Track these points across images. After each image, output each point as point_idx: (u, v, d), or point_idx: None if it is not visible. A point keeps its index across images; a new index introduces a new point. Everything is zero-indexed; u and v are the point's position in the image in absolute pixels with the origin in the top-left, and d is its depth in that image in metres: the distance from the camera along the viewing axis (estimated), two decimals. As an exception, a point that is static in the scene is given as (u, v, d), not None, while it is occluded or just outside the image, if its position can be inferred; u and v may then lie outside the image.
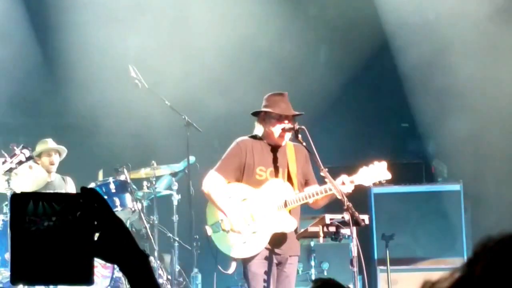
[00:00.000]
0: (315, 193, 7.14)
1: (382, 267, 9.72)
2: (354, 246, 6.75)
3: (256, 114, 7.43)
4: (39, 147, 10.16)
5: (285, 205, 7.19)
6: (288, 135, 7.35)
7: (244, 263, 7.25)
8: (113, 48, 11.77)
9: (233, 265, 7.36)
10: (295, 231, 7.33)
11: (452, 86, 11.02)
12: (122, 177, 9.88)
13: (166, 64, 11.66)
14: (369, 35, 11.79)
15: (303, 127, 7.16)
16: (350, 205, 6.74)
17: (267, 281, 7.14)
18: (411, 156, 11.81)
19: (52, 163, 10.14)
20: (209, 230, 7.33)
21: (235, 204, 7.25)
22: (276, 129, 7.28)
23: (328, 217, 7.00)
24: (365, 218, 6.97)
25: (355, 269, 6.77)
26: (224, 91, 11.73)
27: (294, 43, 12.00)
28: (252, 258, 7.19)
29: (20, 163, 8.25)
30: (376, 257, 9.95)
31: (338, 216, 6.91)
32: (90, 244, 1.83)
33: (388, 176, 7.18)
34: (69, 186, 10.30)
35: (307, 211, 7.88)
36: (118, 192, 9.72)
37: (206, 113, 11.27)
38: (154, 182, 10.31)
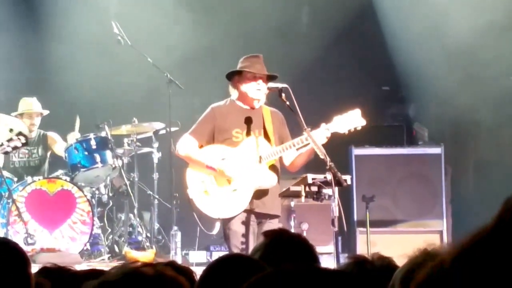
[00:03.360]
0: (292, 145, 7.14)
1: (361, 229, 9.73)
2: (335, 207, 6.75)
3: (230, 77, 7.43)
4: (22, 107, 10.07)
5: (260, 160, 7.20)
6: (264, 98, 7.36)
7: (225, 222, 7.26)
8: (95, 3, 11.65)
9: (217, 225, 7.36)
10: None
11: (435, 50, 11.00)
12: (103, 134, 9.86)
13: (149, 21, 11.55)
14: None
15: (286, 85, 7.16)
16: (333, 165, 6.73)
17: (245, 238, 7.15)
18: (392, 119, 11.81)
19: (32, 125, 10.11)
20: (190, 193, 7.34)
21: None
22: (250, 88, 7.29)
23: (310, 177, 7.00)
24: (347, 178, 7.02)
25: (336, 229, 6.77)
26: (206, 50, 11.64)
27: (276, 3, 11.91)
28: (233, 217, 7.20)
29: (15, 148, 8.72)
30: (355, 218, 9.97)
31: (320, 176, 6.91)
32: None
33: (363, 122, 7.20)
34: (51, 141, 10.26)
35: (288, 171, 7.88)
36: (98, 149, 9.71)
37: (187, 72, 11.18)
38: (135, 139, 10.29)
